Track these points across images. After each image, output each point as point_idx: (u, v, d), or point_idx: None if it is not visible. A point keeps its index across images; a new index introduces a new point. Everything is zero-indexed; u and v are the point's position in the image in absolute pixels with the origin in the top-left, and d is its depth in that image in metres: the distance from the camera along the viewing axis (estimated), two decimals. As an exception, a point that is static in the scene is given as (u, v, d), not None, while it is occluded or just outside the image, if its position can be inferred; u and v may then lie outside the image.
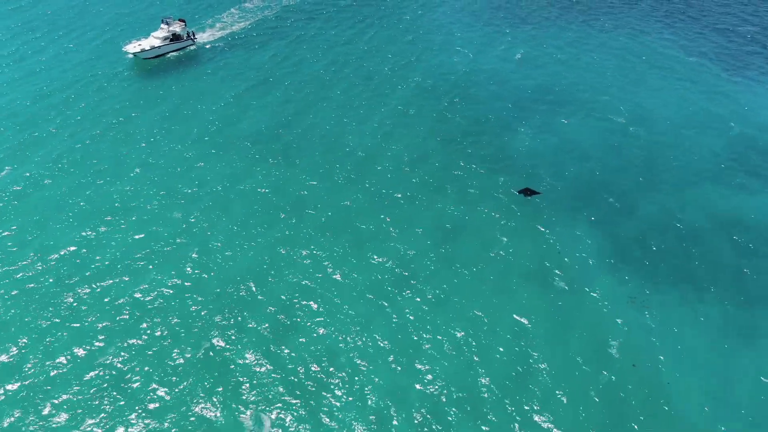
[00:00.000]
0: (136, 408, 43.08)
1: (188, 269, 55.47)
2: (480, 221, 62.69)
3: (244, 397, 44.01)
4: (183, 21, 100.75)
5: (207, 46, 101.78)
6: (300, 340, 49.01)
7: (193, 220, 61.62)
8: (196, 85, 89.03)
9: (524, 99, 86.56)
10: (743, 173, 71.25)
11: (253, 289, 53.61)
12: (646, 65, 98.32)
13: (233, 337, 48.79)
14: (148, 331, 48.98)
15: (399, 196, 66.07)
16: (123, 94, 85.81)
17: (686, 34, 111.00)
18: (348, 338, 49.20)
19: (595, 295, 53.87)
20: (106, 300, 51.83)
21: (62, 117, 79.37)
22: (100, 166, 69.80)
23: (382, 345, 48.68)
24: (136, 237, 59.01)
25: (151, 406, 43.31)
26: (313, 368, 46.54)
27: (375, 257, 57.61)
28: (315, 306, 52.08)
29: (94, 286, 53.23)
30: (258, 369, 46.23)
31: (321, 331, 49.83)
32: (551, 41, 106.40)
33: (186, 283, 53.85)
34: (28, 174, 67.62)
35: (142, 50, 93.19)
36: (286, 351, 47.89)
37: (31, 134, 75.24)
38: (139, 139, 75.30)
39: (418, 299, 53.11)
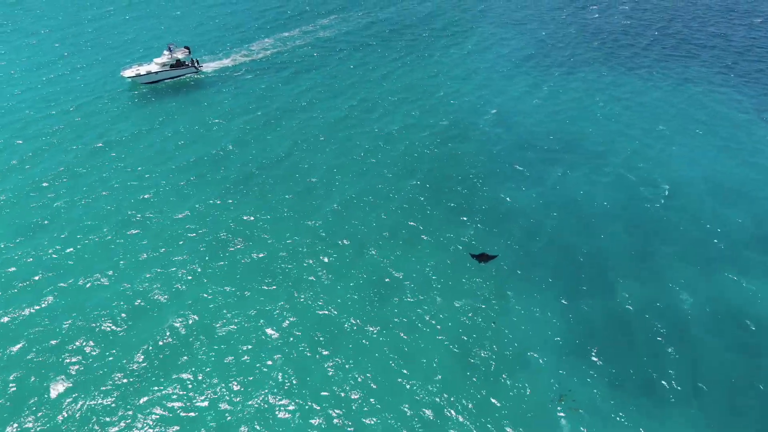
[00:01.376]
0: None
1: (48, 299, 51.46)
2: (422, 277, 54.05)
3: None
4: (188, 48, 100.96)
5: (211, 74, 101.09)
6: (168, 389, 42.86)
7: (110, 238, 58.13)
8: (184, 112, 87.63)
9: (527, 146, 77.13)
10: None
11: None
12: (681, 119, 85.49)
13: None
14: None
15: (346, 242, 58.77)
16: (107, 116, 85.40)
17: (745, 91, 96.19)
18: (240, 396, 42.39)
19: (520, 385, 43.49)
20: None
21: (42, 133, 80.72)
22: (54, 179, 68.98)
23: (271, 403, 41.41)
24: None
25: None
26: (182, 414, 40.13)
27: (288, 312, 50.68)
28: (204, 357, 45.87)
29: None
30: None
31: (200, 378, 43.40)
32: (584, 88, 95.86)
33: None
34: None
35: (138, 75, 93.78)
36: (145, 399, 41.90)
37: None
38: (106, 159, 74.32)
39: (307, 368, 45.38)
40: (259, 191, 67.07)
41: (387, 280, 53.83)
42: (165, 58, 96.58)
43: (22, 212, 62.59)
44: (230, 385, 43.05)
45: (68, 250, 56.73)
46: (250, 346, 46.40)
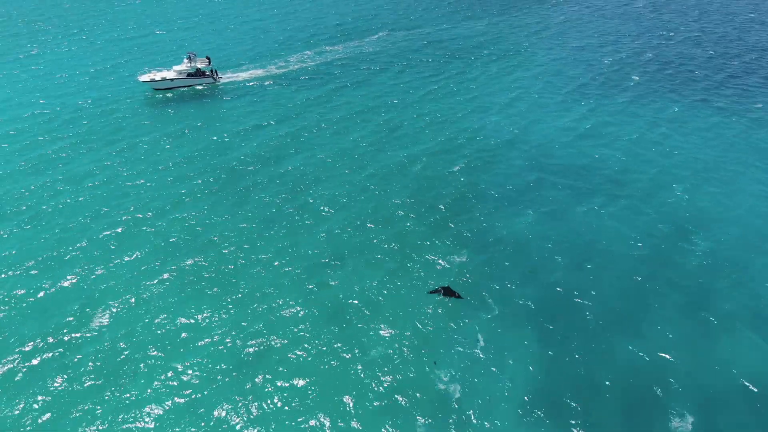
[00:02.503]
0: None
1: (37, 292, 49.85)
2: (390, 305, 48.28)
3: None
4: (208, 58, 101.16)
5: (238, 84, 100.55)
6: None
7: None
8: (193, 118, 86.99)
9: (553, 177, 68.94)
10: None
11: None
12: (751, 160, 73.63)
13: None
14: None
15: (326, 260, 54.09)
16: (113, 117, 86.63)
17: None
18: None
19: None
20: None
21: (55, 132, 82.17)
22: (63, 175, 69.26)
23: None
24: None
25: None
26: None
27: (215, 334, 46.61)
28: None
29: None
30: None
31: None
32: (637, 117, 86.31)
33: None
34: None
35: (152, 80, 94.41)
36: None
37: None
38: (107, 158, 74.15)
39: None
40: (254, 201, 64.08)
41: (351, 301, 48.54)
42: (184, 65, 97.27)
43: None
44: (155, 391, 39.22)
45: (35, 242, 55.89)
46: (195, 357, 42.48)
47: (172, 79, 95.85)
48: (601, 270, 52.49)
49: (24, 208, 61.55)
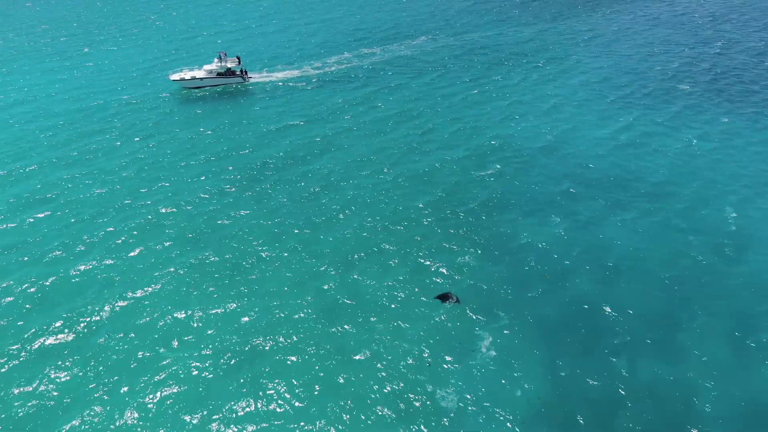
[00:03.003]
0: None
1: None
2: (399, 309, 46.40)
3: None
4: (238, 58, 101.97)
5: (266, 85, 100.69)
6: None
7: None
8: (222, 117, 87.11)
9: (587, 187, 65.36)
10: None
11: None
12: None
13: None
14: None
15: (340, 260, 52.92)
16: (149, 115, 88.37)
17: None
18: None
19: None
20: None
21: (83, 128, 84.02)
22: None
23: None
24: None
25: None
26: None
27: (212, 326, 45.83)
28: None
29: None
30: None
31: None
32: (684, 128, 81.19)
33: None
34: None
35: (182, 79, 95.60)
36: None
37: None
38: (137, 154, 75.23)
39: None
40: (275, 199, 63.61)
41: (358, 302, 46.93)
42: (214, 65, 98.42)
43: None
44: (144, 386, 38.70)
45: (54, 230, 56.90)
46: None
47: (201, 78, 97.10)
48: (629, 286, 49.00)
49: (55, 195, 62.86)
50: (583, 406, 37.63)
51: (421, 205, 61.31)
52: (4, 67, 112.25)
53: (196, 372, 39.96)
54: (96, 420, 36.35)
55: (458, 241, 54.89)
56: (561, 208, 60.84)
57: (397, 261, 51.92)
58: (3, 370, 40.13)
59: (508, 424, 36.20)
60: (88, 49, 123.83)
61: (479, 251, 53.23)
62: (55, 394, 38.22)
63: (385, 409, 37.09)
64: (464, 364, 40.67)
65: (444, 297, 46.67)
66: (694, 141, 76.74)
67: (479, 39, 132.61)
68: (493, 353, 41.51)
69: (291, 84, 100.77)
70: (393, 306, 46.25)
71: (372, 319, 44.93)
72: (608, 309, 46.19)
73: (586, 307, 46.52)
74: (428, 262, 51.59)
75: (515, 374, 39.86)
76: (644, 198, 62.55)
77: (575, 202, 61.93)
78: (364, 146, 75.98)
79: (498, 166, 70.28)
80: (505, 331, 43.58)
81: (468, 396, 38.07)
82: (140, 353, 41.58)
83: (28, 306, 46.19)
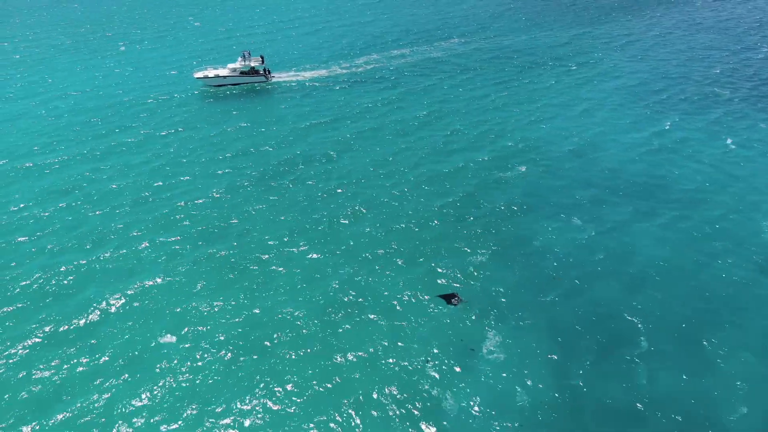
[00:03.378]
0: None
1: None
2: (408, 310, 45.14)
3: None
4: (261, 57, 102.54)
5: (292, 84, 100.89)
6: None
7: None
8: (245, 115, 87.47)
9: (614, 191, 62.79)
10: None
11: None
12: None
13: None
14: None
15: (353, 257, 52.03)
16: (175, 112, 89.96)
17: None
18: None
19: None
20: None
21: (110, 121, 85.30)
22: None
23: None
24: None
25: None
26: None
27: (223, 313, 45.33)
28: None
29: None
30: None
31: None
32: (722, 135, 77.11)
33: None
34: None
35: (205, 77, 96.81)
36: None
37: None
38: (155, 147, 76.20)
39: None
40: (292, 196, 63.30)
41: (366, 300, 45.88)
42: (238, 64, 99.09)
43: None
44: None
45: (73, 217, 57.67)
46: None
47: (224, 77, 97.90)
48: (653, 294, 46.52)
49: (79, 187, 63.81)
50: (594, 415, 35.63)
51: (440, 204, 59.98)
52: (43, 63, 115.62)
53: (200, 363, 39.48)
54: (97, 406, 36.17)
55: (473, 241, 53.27)
56: (586, 211, 58.55)
57: (412, 259, 50.69)
58: (18, 352, 40.37)
59: (506, 425, 34.45)
60: (124, 48, 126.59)
61: (494, 253, 51.53)
62: (60, 377, 38.23)
63: (384, 409, 35.83)
64: (468, 365, 39.10)
65: (449, 297, 45.14)
66: (732, 147, 73.16)
67: (512, 42, 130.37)
68: (500, 356, 39.86)
69: (318, 84, 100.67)
70: (400, 305, 45.02)
71: (378, 317, 43.78)
72: (628, 316, 43.90)
73: (604, 313, 44.34)
74: (440, 263, 50.17)
75: (523, 379, 38.07)
76: (675, 204, 59.70)
77: (600, 206, 59.53)
78: (388, 146, 74.98)
79: (523, 169, 68.31)
80: (514, 334, 41.86)
81: (470, 399, 36.50)
82: (146, 342, 41.40)
83: (46, 291, 46.63)
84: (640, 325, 42.92)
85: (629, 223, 56.42)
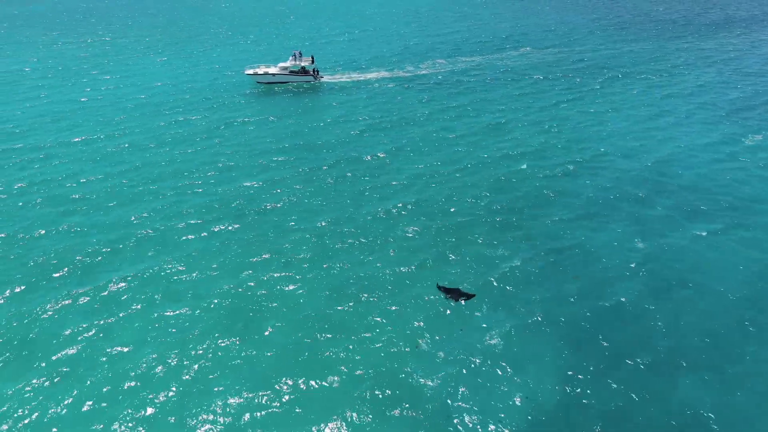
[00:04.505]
0: None
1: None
2: (418, 307, 43.92)
3: None
4: (312, 58, 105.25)
5: (350, 84, 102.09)
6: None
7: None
8: (292, 109, 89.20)
9: (665, 195, 58.31)
10: None
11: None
12: None
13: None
14: None
15: (371, 245, 51.55)
16: (225, 104, 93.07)
17: None
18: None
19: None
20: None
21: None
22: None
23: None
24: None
25: None
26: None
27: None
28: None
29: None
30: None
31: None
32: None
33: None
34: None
35: (255, 73, 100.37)
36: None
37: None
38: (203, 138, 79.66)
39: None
40: (321, 183, 63.78)
41: (372, 294, 45.06)
42: (289, 63, 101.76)
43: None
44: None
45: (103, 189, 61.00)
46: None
47: (273, 74, 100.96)
48: (688, 303, 42.34)
49: (131, 173, 66.74)
50: (600, 424, 32.58)
51: (474, 195, 58.20)
52: (131, 61, 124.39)
53: (204, 353, 40.17)
54: (103, 381, 37.54)
55: (502, 236, 51.04)
56: (629, 214, 54.70)
57: (432, 251, 49.04)
58: (34, 325, 42.70)
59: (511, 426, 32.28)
60: (204, 50, 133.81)
61: (522, 248, 49.09)
62: (70, 352, 39.77)
63: (375, 403, 34.73)
64: (469, 362, 37.11)
65: (450, 291, 43.17)
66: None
67: (587, 52, 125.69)
68: (504, 353, 37.53)
69: (377, 85, 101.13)
70: (405, 294, 43.70)
71: (385, 304, 42.71)
72: (654, 323, 40.24)
73: (628, 318, 40.92)
74: (466, 253, 48.38)
75: (527, 379, 35.58)
76: (727, 212, 54.52)
77: (647, 209, 55.45)
78: (433, 145, 73.56)
79: (572, 168, 65.14)
80: (523, 331, 39.39)
81: (467, 397, 34.57)
82: (153, 315, 42.70)
83: (72, 265, 49.33)
84: (668, 334, 39.22)
85: (674, 228, 51.97)
